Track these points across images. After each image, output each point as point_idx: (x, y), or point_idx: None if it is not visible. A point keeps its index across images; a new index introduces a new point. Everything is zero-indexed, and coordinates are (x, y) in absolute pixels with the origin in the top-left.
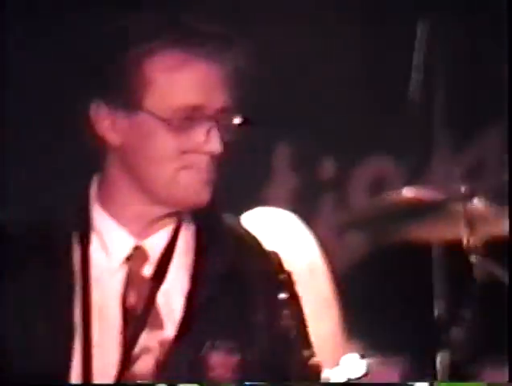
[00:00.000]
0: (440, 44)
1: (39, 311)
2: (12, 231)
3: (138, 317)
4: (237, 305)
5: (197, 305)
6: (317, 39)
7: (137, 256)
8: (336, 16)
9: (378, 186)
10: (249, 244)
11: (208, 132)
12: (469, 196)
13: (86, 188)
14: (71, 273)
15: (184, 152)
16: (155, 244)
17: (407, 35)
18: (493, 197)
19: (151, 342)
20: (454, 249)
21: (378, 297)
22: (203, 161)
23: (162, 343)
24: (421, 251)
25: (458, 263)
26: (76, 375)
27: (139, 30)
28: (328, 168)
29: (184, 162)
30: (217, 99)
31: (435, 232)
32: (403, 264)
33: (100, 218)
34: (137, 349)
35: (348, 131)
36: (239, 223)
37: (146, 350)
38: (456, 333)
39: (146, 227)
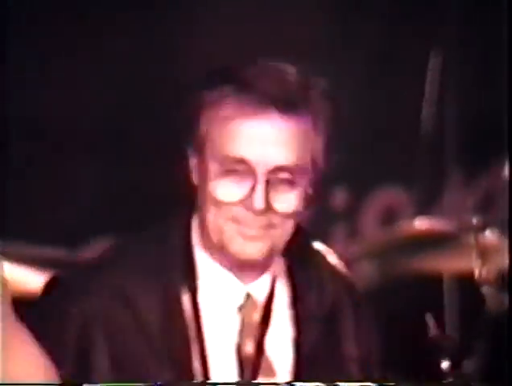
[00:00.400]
0: (452, 77)
1: (161, 363)
2: (120, 281)
3: (252, 365)
4: (339, 340)
5: (304, 348)
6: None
7: (249, 303)
8: (348, 52)
9: (390, 216)
10: (340, 275)
11: (253, 188)
12: (481, 227)
13: (188, 230)
14: (184, 321)
15: (230, 204)
16: (260, 289)
17: (421, 68)
18: (505, 228)
19: None
20: (466, 281)
21: (388, 328)
22: (248, 216)
23: None
24: (432, 282)
25: (470, 295)
26: None
27: (210, 77)
28: (339, 198)
29: (230, 214)
30: (269, 156)
31: (446, 263)
32: (414, 296)
33: (204, 262)
34: None
35: (360, 161)
36: (323, 254)
37: None
38: (468, 365)
39: (248, 272)
